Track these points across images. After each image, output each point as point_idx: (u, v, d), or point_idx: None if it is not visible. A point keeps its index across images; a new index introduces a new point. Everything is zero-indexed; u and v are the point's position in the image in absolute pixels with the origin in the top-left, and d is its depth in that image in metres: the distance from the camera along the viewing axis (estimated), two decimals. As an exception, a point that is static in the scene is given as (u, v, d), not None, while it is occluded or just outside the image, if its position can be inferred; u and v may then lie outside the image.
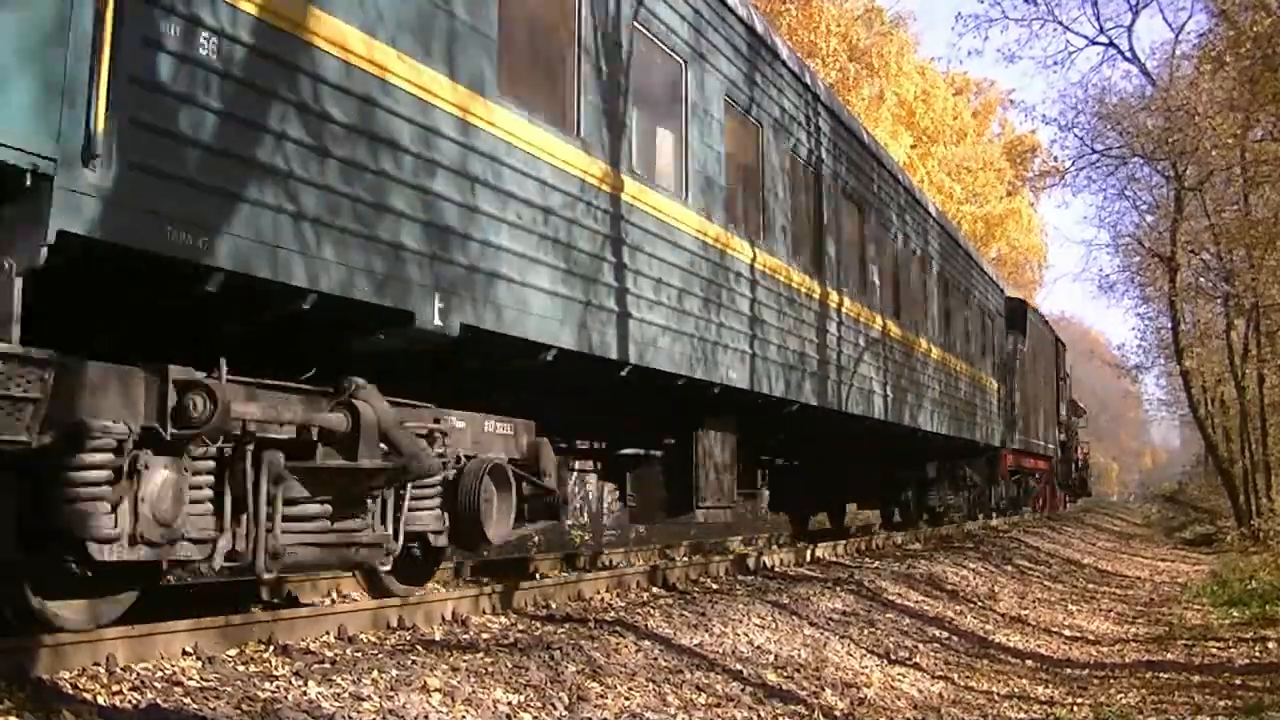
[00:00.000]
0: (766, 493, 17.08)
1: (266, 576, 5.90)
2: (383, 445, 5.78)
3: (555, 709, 5.26)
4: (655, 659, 6.51)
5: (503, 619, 7.22)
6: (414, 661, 5.33)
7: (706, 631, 7.50)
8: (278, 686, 4.58)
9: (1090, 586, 16.84)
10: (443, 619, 6.93)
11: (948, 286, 18.72)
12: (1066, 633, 11.70)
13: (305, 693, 4.56)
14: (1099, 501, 70.77)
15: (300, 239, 5.09)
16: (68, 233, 4.05)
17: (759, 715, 6.16)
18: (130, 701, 4.31)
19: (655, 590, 9.28)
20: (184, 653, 5.13)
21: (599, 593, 8.74)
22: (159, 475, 4.69)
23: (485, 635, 6.53)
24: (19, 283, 3.96)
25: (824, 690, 7.02)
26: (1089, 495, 48.41)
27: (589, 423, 9.46)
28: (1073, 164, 26.69)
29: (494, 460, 6.97)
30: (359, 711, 4.52)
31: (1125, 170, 27.59)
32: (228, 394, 4.86)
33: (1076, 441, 40.50)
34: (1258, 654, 10.01)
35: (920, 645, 9.24)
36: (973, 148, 38.42)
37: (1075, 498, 42.53)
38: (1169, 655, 10.15)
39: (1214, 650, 10.34)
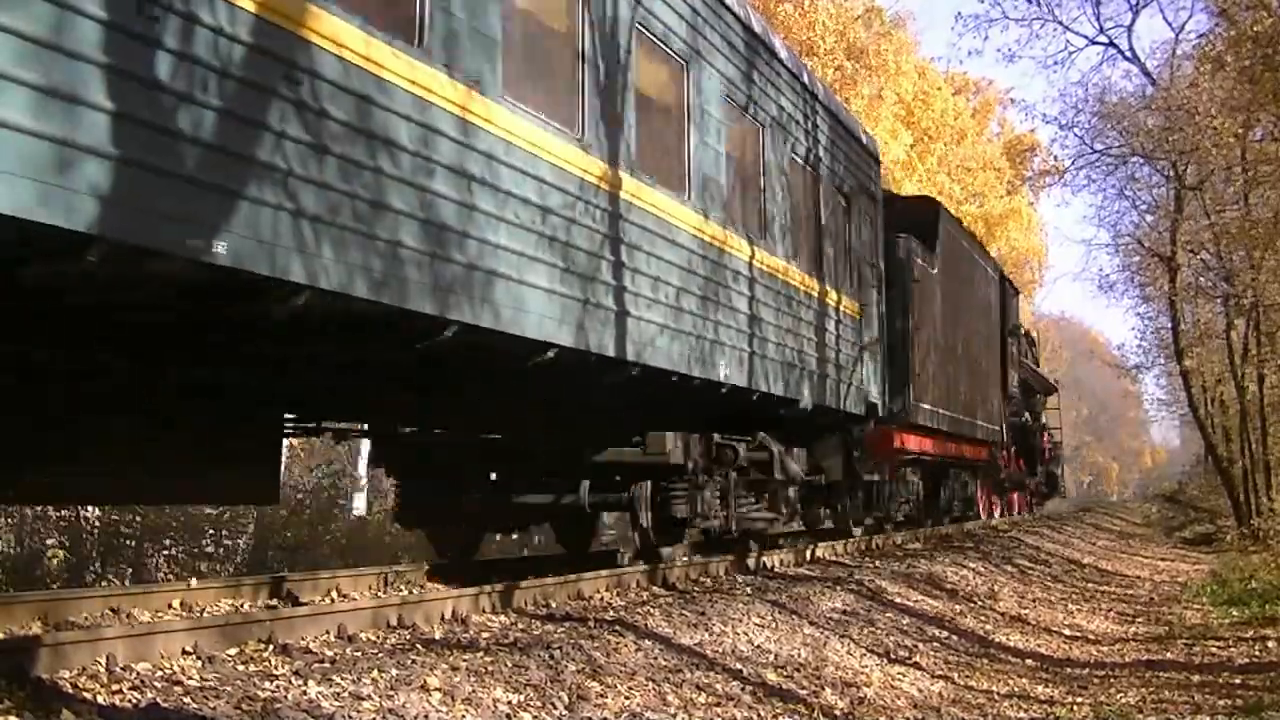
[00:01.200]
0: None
1: None
2: None
3: (555, 708, 5.26)
4: (655, 658, 6.51)
5: (503, 618, 7.22)
6: (414, 661, 5.33)
7: (706, 631, 7.50)
8: (277, 686, 4.58)
9: (1090, 586, 16.83)
10: (442, 618, 6.93)
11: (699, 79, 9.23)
12: (1066, 632, 11.70)
13: (305, 692, 4.56)
14: (1099, 501, 70.81)
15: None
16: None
17: (759, 714, 6.16)
18: (130, 701, 4.31)
19: (655, 590, 9.27)
20: (184, 652, 5.14)
21: (599, 592, 8.73)
22: None
23: (485, 634, 6.53)
24: None
25: (824, 689, 7.02)
26: (1059, 495, 37.86)
27: None
28: (1072, 163, 26.82)
29: None
30: (359, 711, 4.52)
31: (1125, 169, 27.74)
32: None
33: (1041, 425, 31.26)
34: (1257, 653, 10.01)
35: (920, 644, 9.24)
36: (972, 147, 38.43)
37: (1041, 500, 32.81)
38: (1169, 654, 10.14)
39: (1214, 649, 10.34)
